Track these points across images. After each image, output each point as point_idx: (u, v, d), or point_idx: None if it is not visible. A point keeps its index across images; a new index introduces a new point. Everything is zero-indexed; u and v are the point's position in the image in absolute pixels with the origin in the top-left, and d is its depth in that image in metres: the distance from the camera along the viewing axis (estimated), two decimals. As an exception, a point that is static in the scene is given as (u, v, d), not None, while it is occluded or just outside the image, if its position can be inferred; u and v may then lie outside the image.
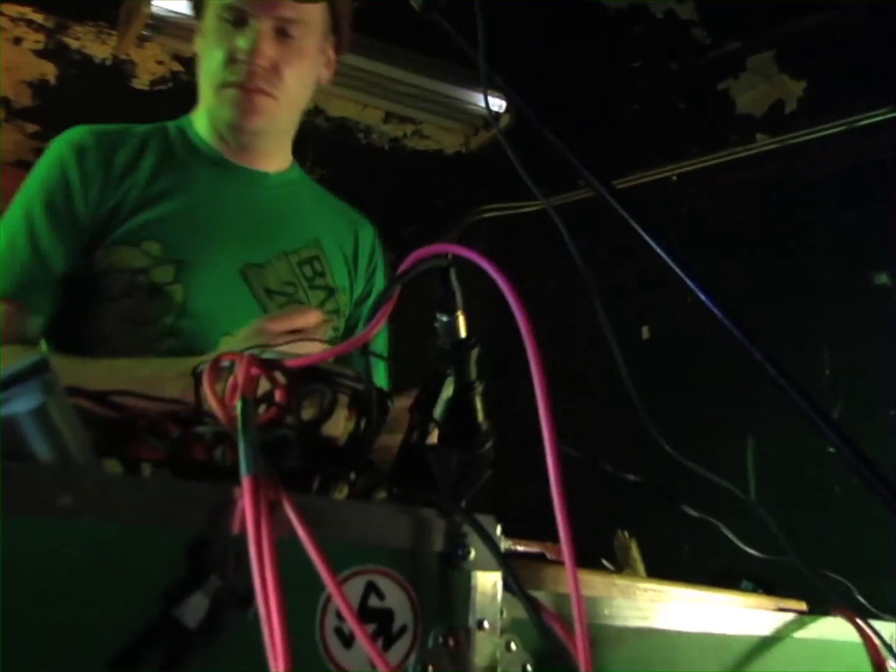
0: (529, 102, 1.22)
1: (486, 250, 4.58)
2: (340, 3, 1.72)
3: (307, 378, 0.84)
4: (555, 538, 1.22)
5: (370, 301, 1.80)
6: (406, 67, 3.53)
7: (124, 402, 0.81)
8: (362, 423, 0.87)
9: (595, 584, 0.99)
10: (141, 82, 4.03)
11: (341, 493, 0.87)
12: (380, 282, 1.86)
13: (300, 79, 1.68)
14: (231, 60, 1.62)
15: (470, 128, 3.97)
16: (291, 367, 0.81)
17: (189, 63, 3.84)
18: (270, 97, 1.64)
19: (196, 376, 0.89)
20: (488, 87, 1.12)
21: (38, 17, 3.62)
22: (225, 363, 0.82)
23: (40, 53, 3.85)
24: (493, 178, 4.36)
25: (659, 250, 1.00)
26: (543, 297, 3.57)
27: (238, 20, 1.62)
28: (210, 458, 0.79)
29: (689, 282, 0.98)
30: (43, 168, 1.65)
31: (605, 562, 1.29)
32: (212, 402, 0.77)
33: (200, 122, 1.76)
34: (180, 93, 4.07)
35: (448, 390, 0.92)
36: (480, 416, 0.95)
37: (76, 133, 1.67)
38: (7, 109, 4.33)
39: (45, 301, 1.58)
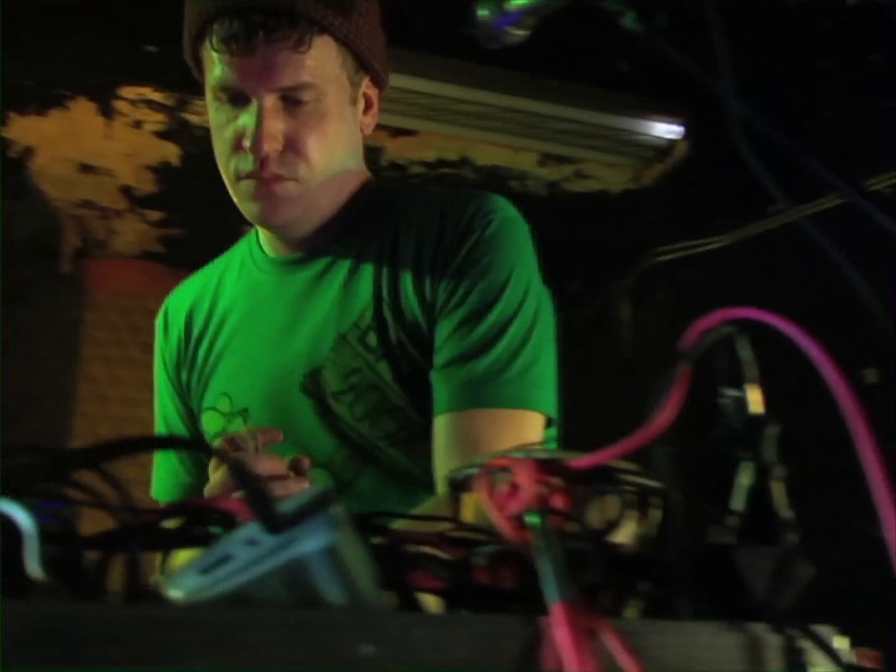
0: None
1: (664, 298, 4.52)
2: (358, 38, 1.56)
3: (586, 478, 0.81)
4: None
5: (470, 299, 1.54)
6: (564, 102, 3.53)
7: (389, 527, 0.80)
8: (654, 525, 0.84)
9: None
10: (266, 151, 4.14)
11: (635, 608, 0.84)
12: (474, 264, 1.55)
13: (327, 144, 1.55)
14: (238, 146, 1.53)
15: (640, 161, 3.94)
16: (573, 468, 0.79)
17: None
18: (294, 181, 1.53)
19: (456, 485, 0.87)
20: (736, 119, 1.08)
21: (157, 96, 3.77)
22: (494, 468, 0.80)
23: (161, 134, 4.01)
24: (668, 216, 4.31)
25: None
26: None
27: (237, 99, 1.52)
28: (494, 582, 0.77)
29: None
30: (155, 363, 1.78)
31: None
32: (495, 517, 0.75)
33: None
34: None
35: (745, 477, 0.88)
36: (783, 506, 0.90)
37: (161, 311, 1.79)
38: (129, 198, 4.52)
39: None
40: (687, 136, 3.74)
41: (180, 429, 1.69)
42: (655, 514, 0.84)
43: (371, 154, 4.13)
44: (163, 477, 1.69)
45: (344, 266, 1.61)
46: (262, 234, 1.70)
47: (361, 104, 1.64)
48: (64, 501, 0.68)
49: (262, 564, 0.60)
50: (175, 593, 0.61)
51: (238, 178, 1.54)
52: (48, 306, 4.90)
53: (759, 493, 0.89)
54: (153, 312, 5.41)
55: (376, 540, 0.79)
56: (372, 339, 1.54)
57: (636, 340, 4.46)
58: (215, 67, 1.50)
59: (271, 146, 1.49)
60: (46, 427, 4.74)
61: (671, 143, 3.78)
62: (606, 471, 0.80)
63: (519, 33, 1.20)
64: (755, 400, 0.88)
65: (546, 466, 0.78)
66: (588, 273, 4.67)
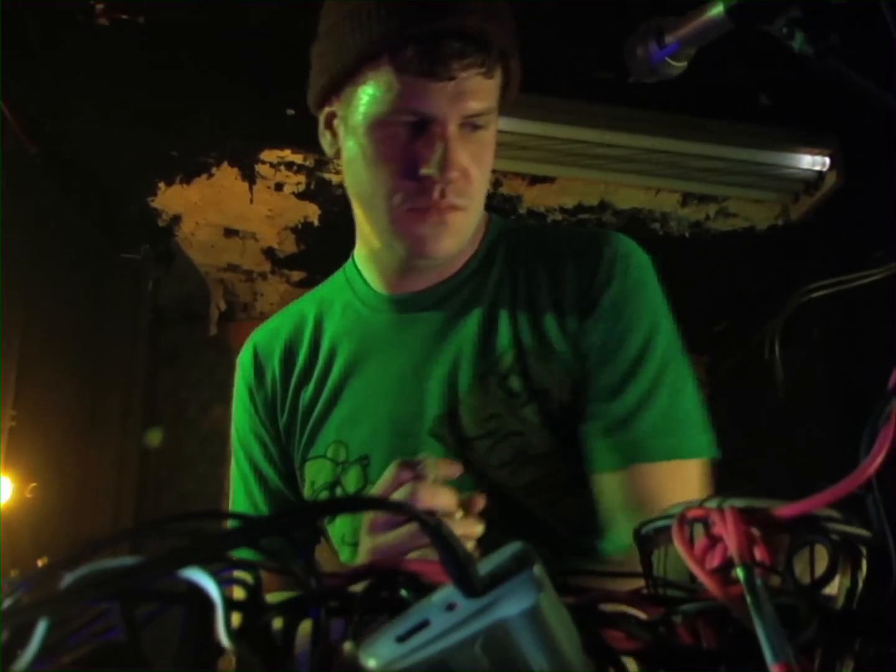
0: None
1: (821, 336, 4.38)
2: (516, 63, 1.49)
3: (789, 527, 0.76)
4: None
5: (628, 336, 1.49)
6: (705, 139, 3.48)
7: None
8: (861, 578, 0.78)
9: None
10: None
11: (848, 667, 0.78)
12: (623, 301, 1.50)
13: (486, 176, 1.50)
14: (410, 176, 1.42)
15: (787, 196, 3.84)
16: (777, 517, 0.74)
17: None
18: (462, 211, 1.46)
19: (645, 539, 0.83)
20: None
21: (296, 158, 3.84)
22: (689, 520, 0.76)
23: (301, 195, 4.08)
24: (819, 250, 4.19)
25: None
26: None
27: (416, 125, 1.42)
28: (696, 641, 0.72)
29: None
30: (237, 401, 1.75)
31: None
32: (697, 571, 0.70)
33: (364, 261, 1.64)
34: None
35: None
36: None
37: (247, 351, 1.74)
38: (272, 260, 4.60)
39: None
40: (834, 166, 3.64)
41: (272, 477, 1.65)
42: (864, 566, 0.78)
43: (508, 203, 4.14)
44: (240, 502, 1.67)
45: (479, 305, 1.54)
46: (373, 271, 1.61)
47: None
48: (247, 567, 0.66)
49: (462, 630, 0.57)
50: (371, 663, 0.58)
51: (405, 209, 1.44)
52: (197, 370, 5.00)
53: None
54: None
55: (569, 600, 0.75)
56: (514, 382, 1.47)
57: (790, 381, 4.34)
58: (393, 90, 1.39)
59: (455, 174, 1.41)
60: (202, 489, 4.82)
61: (819, 175, 3.68)
62: (811, 519, 0.75)
63: (677, 65, 1.16)
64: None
65: (748, 516, 0.74)
66: (734, 311, 4.56)
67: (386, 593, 0.69)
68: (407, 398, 1.53)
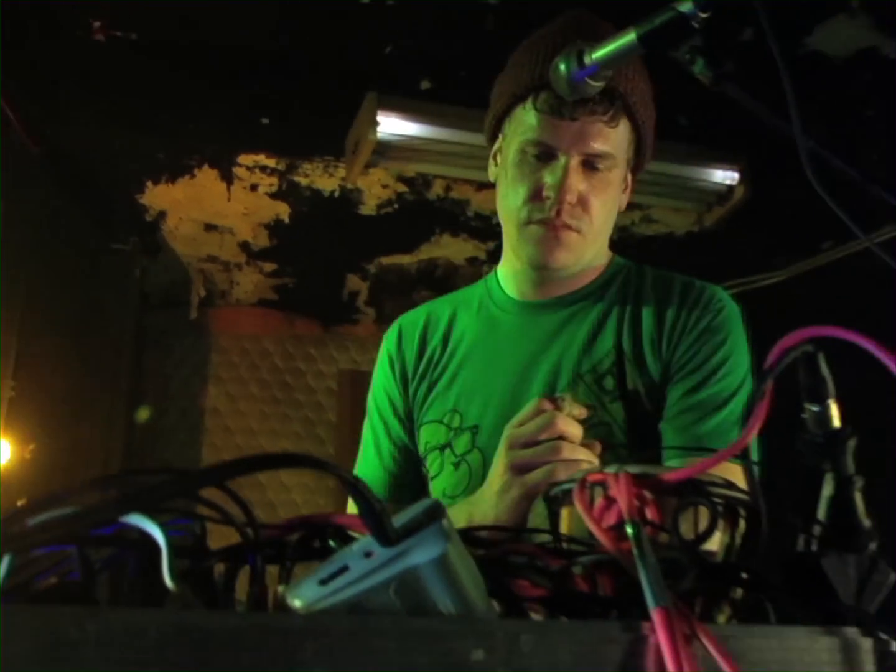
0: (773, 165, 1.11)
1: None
2: (647, 128, 1.61)
3: (676, 491, 0.76)
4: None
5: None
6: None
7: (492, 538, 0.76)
8: (739, 536, 0.79)
9: None
10: (368, 208, 4.16)
11: (724, 614, 0.78)
12: (686, 348, 1.58)
13: (606, 211, 1.60)
14: (535, 196, 1.56)
15: (701, 206, 3.87)
16: (664, 481, 0.74)
17: (412, 182, 3.95)
18: (577, 232, 1.56)
19: (550, 500, 0.83)
20: (808, 161, 1.03)
21: (270, 162, 3.81)
22: (590, 483, 0.76)
23: (274, 195, 4.06)
24: (728, 255, 4.23)
25: None
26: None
27: (545, 155, 1.55)
28: (593, 590, 0.72)
29: None
30: (378, 367, 1.80)
31: None
32: (592, 526, 0.71)
33: (504, 273, 1.74)
34: (406, 213, 4.18)
35: (829, 488, 0.82)
36: (861, 514, 0.85)
37: (394, 329, 1.80)
38: (246, 252, 4.57)
39: (410, 497, 1.63)
40: (743, 180, 3.67)
41: (397, 429, 1.72)
42: (742, 526, 0.79)
43: (458, 206, 4.14)
44: (368, 451, 1.75)
45: (590, 317, 1.64)
46: (510, 281, 1.72)
47: (625, 184, 1.67)
48: (193, 518, 0.66)
49: (377, 575, 0.57)
50: (296, 603, 0.57)
51: (528, 222, 1.57)
52: (178, 349, 4.97)
53: (841, 503, 0.84)
54: (269, 353, 5.48)
55: (480, 552, 0.75)
56: (609, 382, 1.56)
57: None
58: (531, 126, 1.53)
59: (570, 198, 1.53)
60: (180, 456, 4.80)
61: (729, 188, 3.70)
62: (695, 484, 0.76)
63: (595, 84, 1.16)
64: (835, 415, 0.83)
65: (639, 480, 0.74)
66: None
67: (318, 543, 0.69)
68: (518, 382, 1.61)
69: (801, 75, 3.33)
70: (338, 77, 3.26)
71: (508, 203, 1.60)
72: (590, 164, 1.54)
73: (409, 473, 1.69)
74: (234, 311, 5.06)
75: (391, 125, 3.30)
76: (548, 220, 1.55)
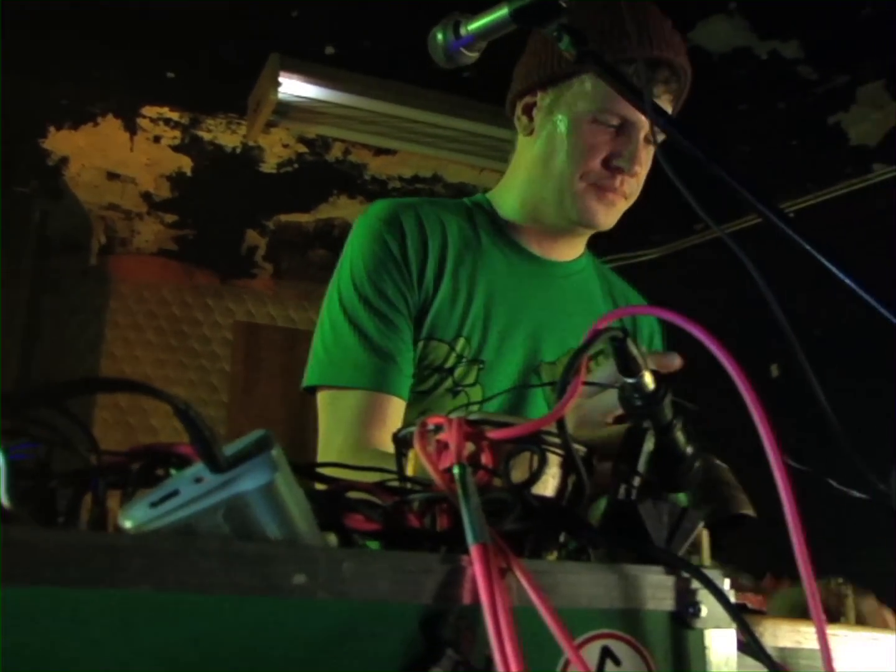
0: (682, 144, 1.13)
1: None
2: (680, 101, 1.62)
3: (513, 439, 0.78)
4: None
5: None
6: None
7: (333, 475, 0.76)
8: (570, 483, 0.81)
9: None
10: (268, 166, 4.10)
11: (552, 554, 0.80)
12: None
13: (643, 180, 1.61)
14: (604, 162, 1.54)
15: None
16: (498, 430, 0.76)
17: (312, 144, 3.90)
18: (625, 199, 1.58)
19: (399, 441, 0.84)
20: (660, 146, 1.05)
21: (174, 115, 3.73)
22: (431, 427, 0.77)
23: (177, 148, 3.97)
24: (607, 233, 4.29)
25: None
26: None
27: (619, 125, 1.54)
28: (423, 525, 0.73)
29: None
30: (361, 249, 1.54)
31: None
32: (428, 467, 0.72)
33: (509, 206, 1.67)
34: (306, 173, 4.13)
35: (649, 444, 0.85)
36: (683, 445, 0.89)
37: (384, 209, 1.57)
38: (148, 203, 4.46)
39: (406, 387, 1.50)
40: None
41: (405, 313, 1.52)
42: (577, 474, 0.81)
43: (356, 169, 4.11)
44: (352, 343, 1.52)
45: (596, 289, 1.73)
46: (523, 230, 1.66)
47: None
48: (34, 442, 0.64)
49: (206, 500, 0.57)
50: (127, 524, 0.57)
51: (588, 183, 1.55)
52: (77, 295, 4.84)
53: (665, 445, 0.87)
54: (167, 302, 5.37)
55: (321, 487, 0.75)
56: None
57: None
58: (607, 95, 1.51)
59: (637, 170, 1.54)
60: (75, 399, 4.68)
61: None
62: (533, 433, 0.77)
63: (470, 55, 1.16)
64: (649, 382, 0.86)
65: (475, 426, 0.75)
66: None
67: (161, 471, 0.68)
68: (536, 337, 1.59)
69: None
70: (244, 37, 3.20)
71: (566, 163, 1.55)
72: (647, 138, 1.55)
73: (407, 361, 1.52)
74: (134, 259, 4.95)
75: (293, 86, 3.26)
76: (608, 186, 1.54)
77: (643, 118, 1.48)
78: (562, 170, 1.57)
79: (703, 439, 0.94)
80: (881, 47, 3.27)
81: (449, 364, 1.53)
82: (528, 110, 1.63)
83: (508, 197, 1.68)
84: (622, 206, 1.58)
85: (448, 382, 1.53)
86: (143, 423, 4.81)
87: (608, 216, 1.58)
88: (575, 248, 1.71)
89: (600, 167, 1.54)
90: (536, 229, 1.66)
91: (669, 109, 1.55)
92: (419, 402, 1.52)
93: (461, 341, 1.54)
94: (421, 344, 1.52)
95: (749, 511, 0.98)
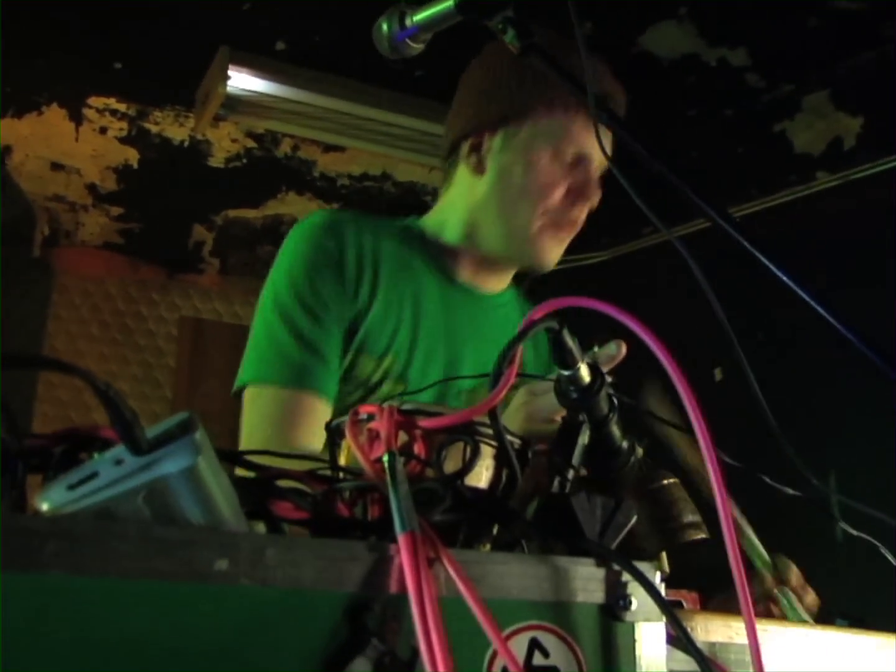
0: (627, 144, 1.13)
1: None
2: None
3: (446, 429, 0.77)
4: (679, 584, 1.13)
5: None
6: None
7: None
8: (504, 474, 0.80)
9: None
10: (216, 160, 4.05)
11: (485, 546, 0.80)
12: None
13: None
14: (565, 197, 1.55)
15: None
16: (430, 419, 0.75)
17: (261, 139, 3.87)
18: (574, 231, 1.60)
19: (332, 431, 0.83)
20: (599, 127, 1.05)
21: (120, 107, 3.66)
22: (363, 416, 0.76)
23: (123, 140, 3.90)
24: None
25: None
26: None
27: (578, 160, 1.55)
28: (352, 514, 0.72)
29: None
30: (299, 253, 1.53)
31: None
32: (358, 455, 0.71)
33: (451, 233, 1.65)
34: (254, 168, 4.09)
35: (584, 437, 0.85)
36: (619, 439, 0.90)
37: (324, 217, 1.57)
38: (94, 195, 4.39)
39: (333, 389, 1.48)
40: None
41: (335, 319, 1.50)
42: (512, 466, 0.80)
43: (304, 165, 4.07)
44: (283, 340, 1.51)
45: (511, 311, 1.71)
46: (459, 262, 1.66)
47: None
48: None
49: (126, 482, 0.55)
50: (44, 506, 0.55)
51: (547, 222, 1.55)
52: (19, 287, 4.74)
53: (600, 438, 0.88)
54: (112, 296, 5.28)
55: (251, 475, 0.74)
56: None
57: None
58: (563, 132, 1.54)
59: (592, 206, 1.56)
60: (14, 391, 4.57)
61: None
62: (467, 425, 0.77)
63: (415, 46, 1.16)
64: (585, 375, 0.86)
65: (408, 416, 0.74)
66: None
67: (85, 455, 0.67)
68: (455, 366, 1.59)
69: (632, 71, 3.42)
70: (194, 29, 3.16)
71: (523, 199, 1.55)
72: (598, 168, 1.57)
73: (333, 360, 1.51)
74: (78, 251, 4.86)
75: (242, 80, 3.23)
76: (567, 220, 1.56)
77: (597, 150, 1.46)
78: (519, 211, 1.57)
79: (649, 448, 0.94)
80: (826, 57, 3.33)
81: (375, 379, 1.53)
82: (475, 148, 1.61)
83: (449, 224, 1.67)
84: (568, 241, 1.60)
85: (372, 399, 1.52)
86: (84, 418, 4.73)
87: (556, 256, 1.60)
88: (505, 281, 1.72)
89: (559, 202, 1.55)
90: (474, 259, 1.65)
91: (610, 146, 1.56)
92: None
93: (388, 358, 1.54)
94: (350, 356, 1.52)
95: (700, 535, 0.98)
